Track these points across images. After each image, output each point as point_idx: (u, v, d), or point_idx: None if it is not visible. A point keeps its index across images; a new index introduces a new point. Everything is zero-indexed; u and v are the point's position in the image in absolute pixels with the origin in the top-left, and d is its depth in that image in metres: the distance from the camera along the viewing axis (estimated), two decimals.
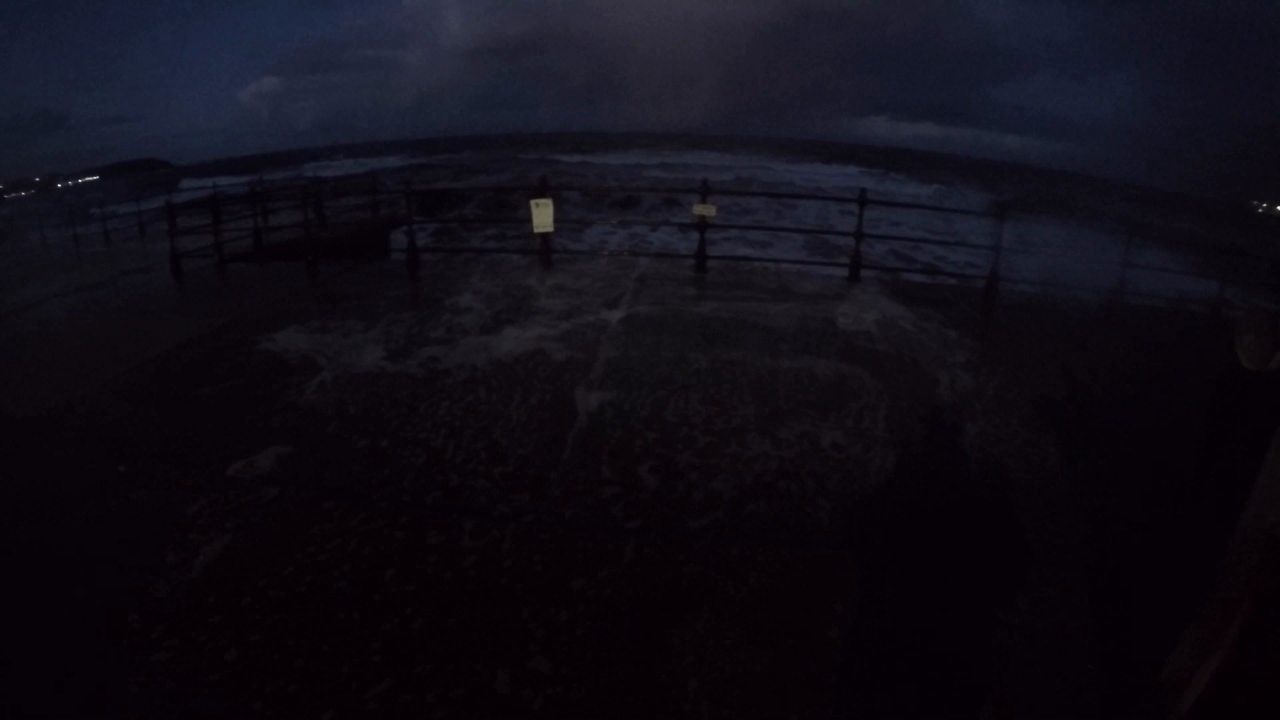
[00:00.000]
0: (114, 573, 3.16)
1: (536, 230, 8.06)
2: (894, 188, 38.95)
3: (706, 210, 8.13)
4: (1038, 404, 4.83)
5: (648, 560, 3.09)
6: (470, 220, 10.71)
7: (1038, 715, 2.40)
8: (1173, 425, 4.38)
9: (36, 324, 8.20)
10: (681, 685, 2.43)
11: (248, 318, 7.11)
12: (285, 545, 3.28)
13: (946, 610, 2.84)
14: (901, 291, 7.84)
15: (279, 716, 2.36)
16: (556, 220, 8.23)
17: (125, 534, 3.48)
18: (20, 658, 2.63)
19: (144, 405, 5.18)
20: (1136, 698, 1.56)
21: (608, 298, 7.08)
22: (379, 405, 4.87)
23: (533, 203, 8.03)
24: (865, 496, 3.62)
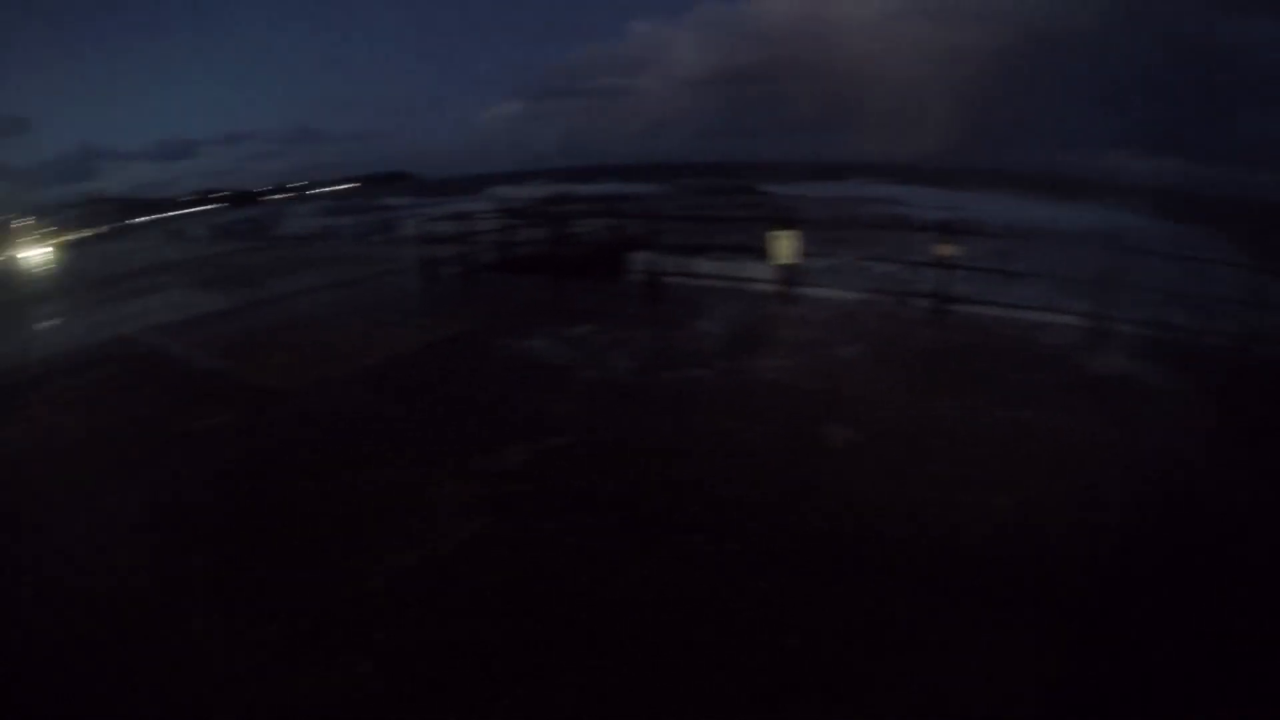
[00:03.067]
0: (355, 543, 3.48)
1: (777, 262, 8.02)
2: (1143, 228, 35.13)
3: (949, 250, 7.73)
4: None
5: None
6: (708, 248, 10.87)
7: None
8: None
9: (295, 314, 9.28)
10: None
11: (494, 323, 7.68)
12: (523, 541, 3.40)
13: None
14: (1161, 350, 6.86)
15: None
16: (794, 252, 8.15)
17: (370, 509, 3.82)
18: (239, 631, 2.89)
19: (393, 395, 5.72)
20: None
21: (848, 332, 6.88)
22: (618, 415, 5.00)
23: (774, 234, 8.01)
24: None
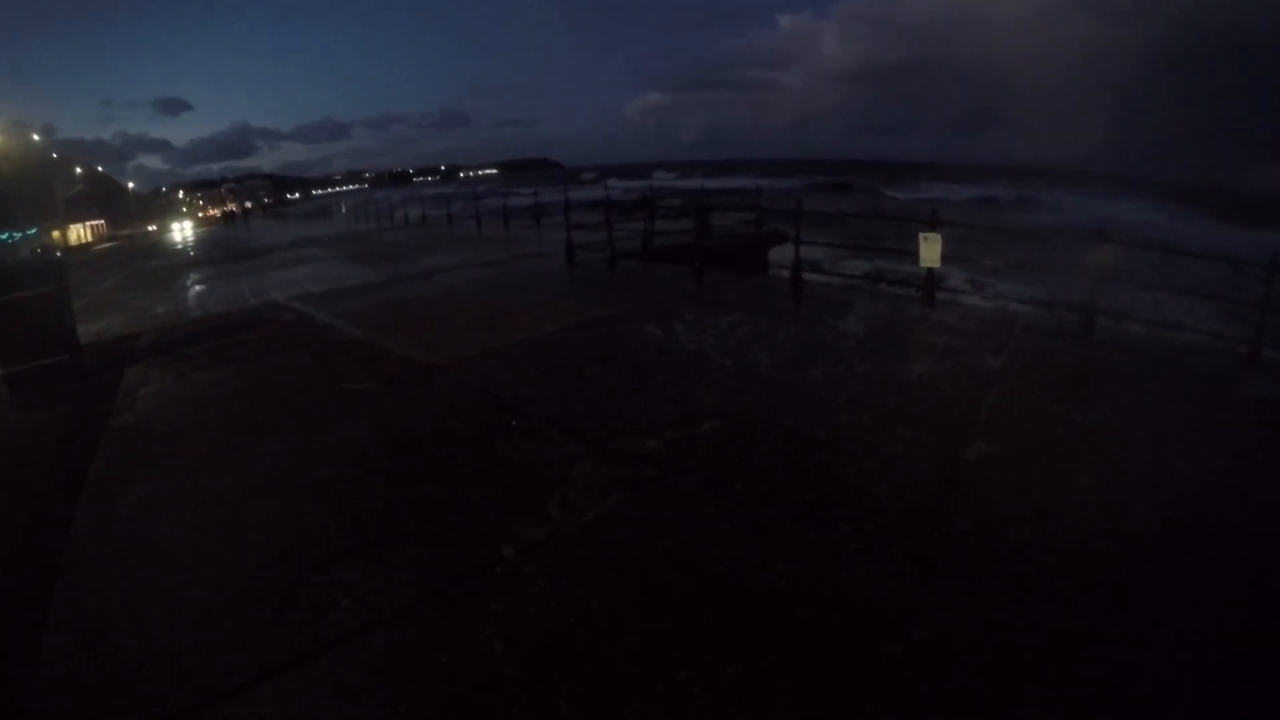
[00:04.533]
0: (492, 511, 3.77)
1: (923, 264, 7.97)
2: None
3: (1102, 259, 7.39)
4: None
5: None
6: (849, 246, 10.86)
7: None
8: None
9: (443, 290, 9.95)
10: None
11: (635, 309, 8.05)
12: (652, 524, 3.54)
13: None
14: None
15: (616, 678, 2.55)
16: (939, 255, 8.05)
17: (509, 482, 4.13)
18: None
19: (533, 373, 6.15)
20: None
21: (992, 342, 6.76)
22: (754, 406, 5.11)
23: (922, 236, 7.94)
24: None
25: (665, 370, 6.03)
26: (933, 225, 7.95)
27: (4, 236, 40.17)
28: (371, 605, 3.07)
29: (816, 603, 2.90)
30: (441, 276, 11.34)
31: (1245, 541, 3.35)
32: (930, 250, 7.93)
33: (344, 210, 45.07)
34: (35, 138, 54.01)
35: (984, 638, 2.67)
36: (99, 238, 60.18)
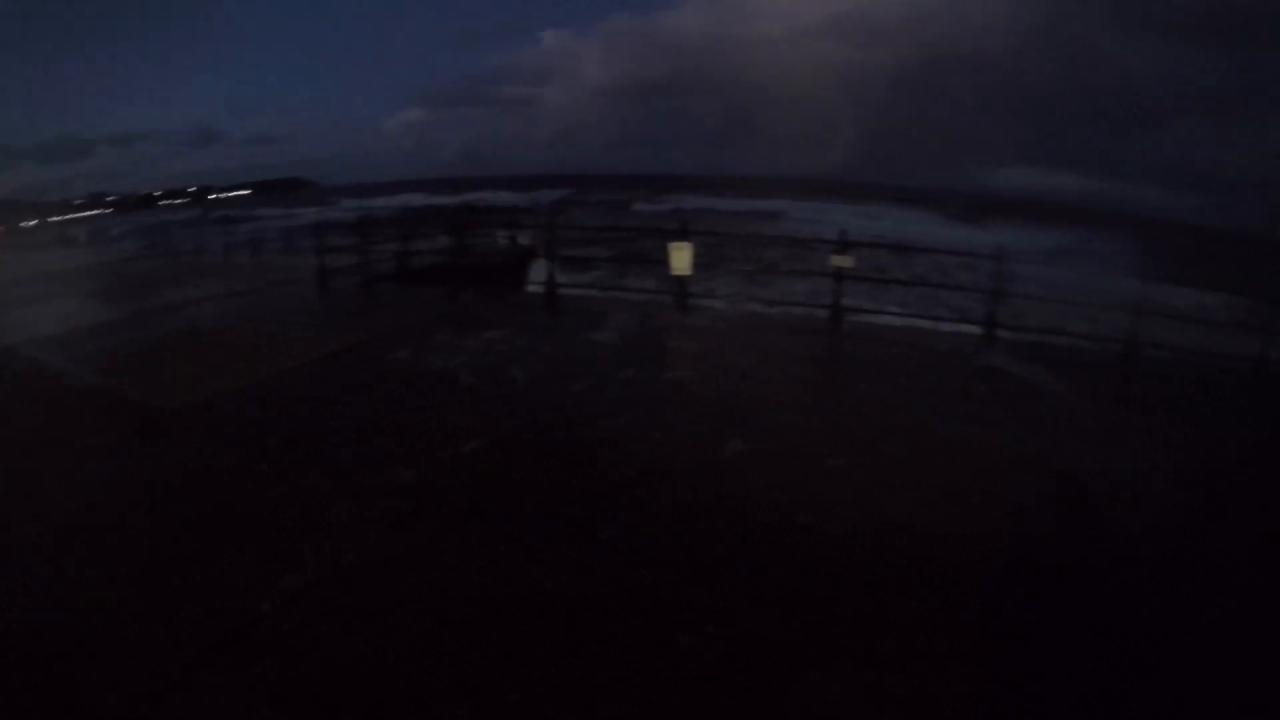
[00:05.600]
0: (245, 562, 3.29)
1: (674, 273, 8.10)
2: (1031, 242, 37.09)
3: (844, 261, 7.96)
4: (1180, 475, 4.44)
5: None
6: (606, 259, 10.89)
7: None
8: None
9: (187, 325, 8.81)
10: None
11: (392, 334, 7.46)
12: (415, 558, 3.31)
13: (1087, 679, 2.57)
14: (1038, 353, 7.37)
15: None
16: (691, 264, 8.25)
17: (260, 529, 3.62)
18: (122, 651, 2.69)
19: (286, 410, 5.46)
20: None
21: (741, 344, 7.01)
22: (516, 425, 4.94)
23: (672, 246, 8.08)
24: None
25: (422, 396, 5.63)
26: (683, 235, 8.12)
27: None
28: (124, 691, 2.48)
29: (598, 611, 2.86)
30: (188, 310, 9.94)
31: (1000, 493, 3.93)
32: (680, 259, 8.08)
33: (84, 239, 39.49)
34: None
35: (767, 626, 2.75)
36: None
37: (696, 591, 2.98)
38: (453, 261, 10.01)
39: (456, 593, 3.02)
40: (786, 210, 49.82)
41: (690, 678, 2.49)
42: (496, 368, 6.27)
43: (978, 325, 7.83)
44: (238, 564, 3.28)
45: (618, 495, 3.85)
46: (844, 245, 7.99)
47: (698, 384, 5.82)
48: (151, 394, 5.96)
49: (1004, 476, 4.21)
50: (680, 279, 8.19)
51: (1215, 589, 3.14)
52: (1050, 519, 3.77)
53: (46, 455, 4.85)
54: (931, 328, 8.55)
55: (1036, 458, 4.54)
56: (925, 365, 6.67)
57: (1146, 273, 7.36)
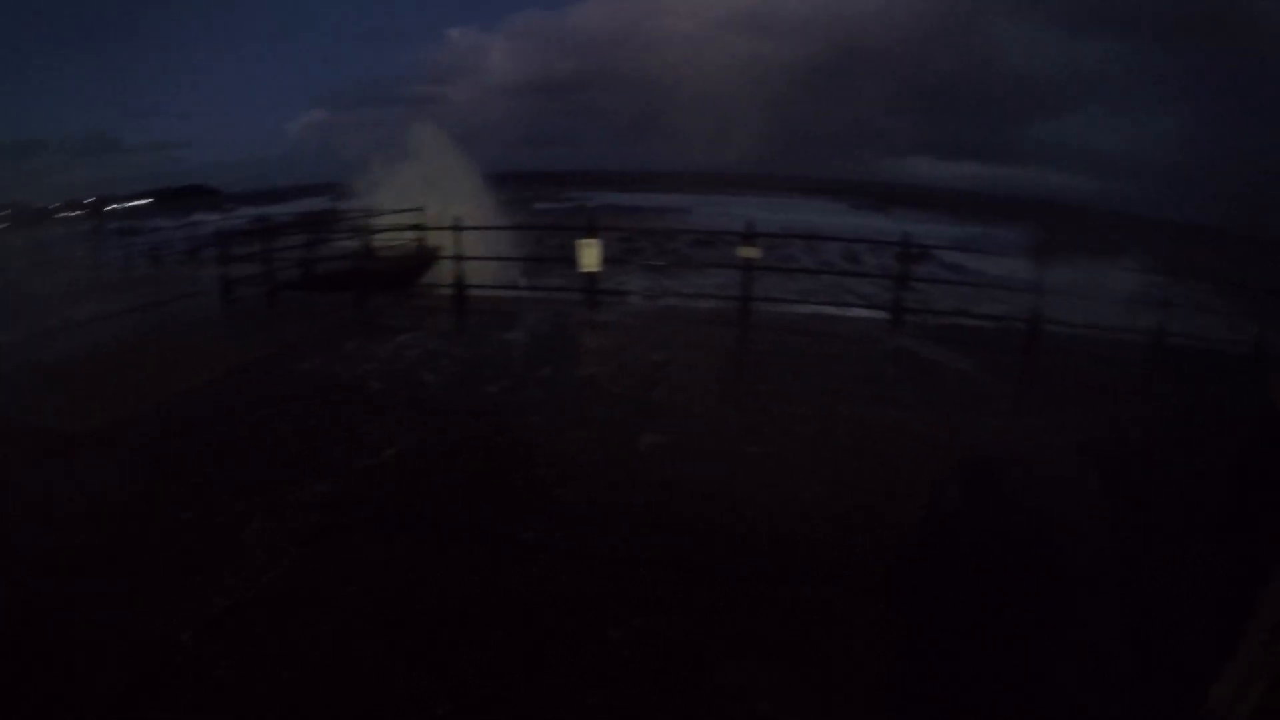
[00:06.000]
0: (160, 590, 3.15)
1: (583, 270, 8.12)
2: (936, 229, 38.58)
3: (751, 253, 8.12)
4: (1077, 446, 4.73)
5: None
6: (516, 257, 10.79)
7: None
8: (1209, 465, 4.31)
9: (84, 344, 8.38)
10: None
11: (300, 345, 7.23)
12: (334, 574, 3.24)
13: (986, 642, 2.76)
14: (942, 334, 7.73)
15: None
16: (604, 260, 8.29)
17: (173, 555, 3.47)
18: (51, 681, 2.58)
19: (198, 427, 5.25)
20: None
21: (653, 339, 7.09)
22: (430, 432, 4.88)
23: (580, 243, 8.10)
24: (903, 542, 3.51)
25: (334, 407, 5.46)
26: (591, 232, 8.14)
27: None
28: None
29: (526, 614, 2.87)
30: (86, 329, 9.44)
31: (909, 472, 4.14)
32: (589, 255, 8.11)
33: None
34: None
35: (691, 619, 2.83)
36: None
37: (622, 587, 3.02)
38: (359, 266, 9.78)
39: (381, 606, 2.97)
40: (697, 204, 50.40)
41: (621, 670, 2.54)
42: (409, 373, 6.18)
43: (885, 311, 8.14)
44: (153, 593, 3.13)
45: (538, 497, 3.85)
46: (751, 237, 8.14)
47: (612, 380, 5.88)
48: (52, 418, 5.66)
49: (913, 456, 4.43)
50: (590, 275, 8.21)
51: (1109, 560, 3.36)
52: (957, 497, 4.00)
53: None
54: (840, 314, 8.83)
55: (947, 436, 4.81)
56: (835, 351, 6.92)
57: (1047, 254, 7.73)
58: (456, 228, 8.54)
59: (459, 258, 8.56)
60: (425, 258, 11.20)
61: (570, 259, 8.39)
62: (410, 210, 12.48)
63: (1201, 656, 1.55)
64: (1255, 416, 2.60)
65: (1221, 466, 4.27)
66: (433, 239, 10.86)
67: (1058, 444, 4.71)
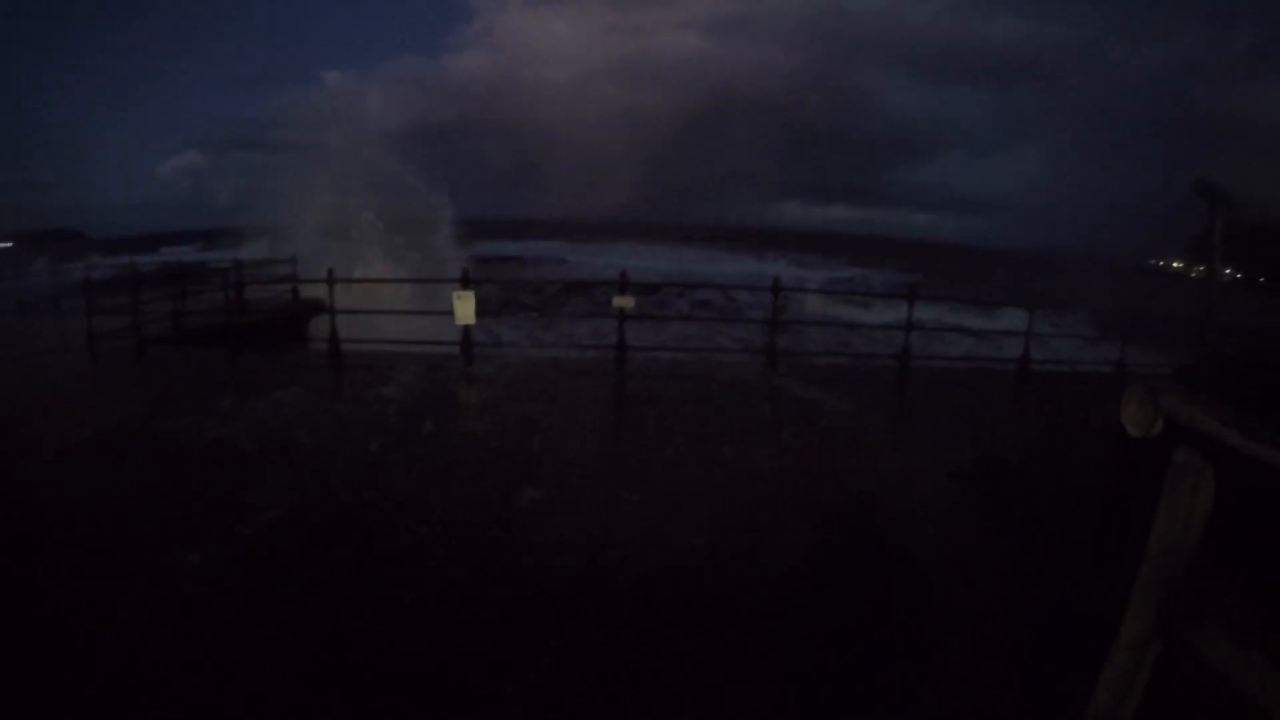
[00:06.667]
0: (32, 676, 3.02)
1: (459, 323, 8.30)
2: (807, 273, 40.45)
3: (625, 302, 8.48)
4: (951, 472, 5.26)
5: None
6: (393, 310, 10.79)
7: None
8: (1075, 486, 4.90)
9: None
10: None
11: (168, 404, 7.02)
12: (212, 646, 3.18)
13: (876, 667, 3.02)
14: (816, 375, 8.35)
15: None
16: (479, 313, 8.49)
17: (43, 636, 3.29)
18: None
19: (59, 497, 4.96)
20: None
21: (531, 391, 7.35)
22: (307, 494, 4.86)
23: (455, 295, 8.26)
24: (785, 572, 3.81)
25: (206, 469, 5.29)
26: (465, 284, 8.32)
27: None
28: None
29: (413, 678, 2.92)
30: None
31: (788, 511, 4.48)
32: (464, 308, 8.30)
33: None
34: None
35: (580, 670, 2.97)
36: None
37: (513, 642, 3.13)
38: (232, 320, 9.64)
39: (261, 676, 2.94)
40: (574, 252, 51.00)
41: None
42: (285, 432, 6.10)
43: (760, 354, 8.72)
44: (21, 681, 2.99)
45: (418, 557, 3.92)
46: (624, 286, 8.53)
47: (489, 435, 5.98)
48: None
49: (790, 494, 4.83)
50: (464, 328, 8.41)
51: (983, 577, 3.77)
52: (835, 530, 4.35)
53: None
54: (715, 359, 9.34)
55: (823, 471, 5.27)
56: (711, 395, 7.41)
57: (916, 292, 8.42)
58: (330, 280, 8.57)
59: (334, 311, 8.58)
60: (301, 311, 11.10)
61: (445, 310, 8.54)
62: (284, 261, 12.31)
63: (1080, 664, 1.75)
64: (1110, 435, 2.78)
65: (1080, 484, 4.92)
66: (309, 291, 10.79)
67: (931, 472, 5.23)
